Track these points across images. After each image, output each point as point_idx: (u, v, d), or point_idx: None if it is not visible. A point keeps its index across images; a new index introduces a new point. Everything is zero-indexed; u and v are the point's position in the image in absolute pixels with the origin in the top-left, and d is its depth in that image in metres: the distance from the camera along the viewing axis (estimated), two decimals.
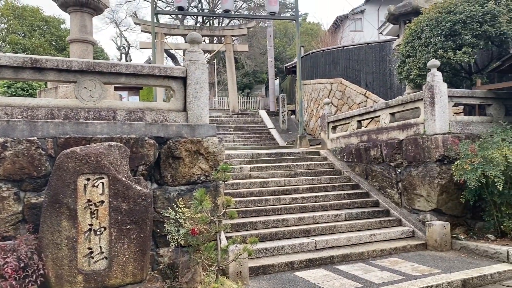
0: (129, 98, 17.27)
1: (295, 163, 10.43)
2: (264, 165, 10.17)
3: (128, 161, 5.15)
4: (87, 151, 4.60)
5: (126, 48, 41.44)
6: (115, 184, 4.65)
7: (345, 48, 17.13)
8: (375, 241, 7.57)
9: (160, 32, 20.89)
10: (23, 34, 14.67)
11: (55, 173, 4.48)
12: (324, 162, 10.84)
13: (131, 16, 24.67)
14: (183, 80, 6.01)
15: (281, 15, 41.56)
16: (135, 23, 20.73)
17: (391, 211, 8.51)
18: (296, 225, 7.67)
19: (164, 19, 33.25)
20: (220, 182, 5.76)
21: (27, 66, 5.21)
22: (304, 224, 7.74)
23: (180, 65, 6.02)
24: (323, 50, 18.58)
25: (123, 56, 40.95)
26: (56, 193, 4.43)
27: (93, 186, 4.58)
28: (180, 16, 31.57)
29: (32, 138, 4.99)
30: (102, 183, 4.62)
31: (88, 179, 4.56)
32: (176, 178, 5.72)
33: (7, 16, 15.08)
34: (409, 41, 9.14)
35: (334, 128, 11.88)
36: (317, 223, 7.87)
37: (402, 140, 8.37)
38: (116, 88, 18.74)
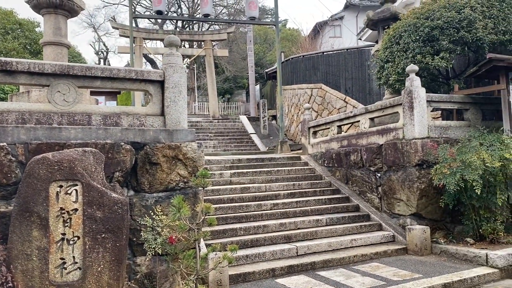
0: (106, 103, 16.96)
1: (276, 169, 10.36)
2: (245, 170, 10.06)
3: (104, 167, 4.98)
4: (60, 157, 4.41)
5: (105, 53, 40.91)
6: (89, 191, 4.47)
7: (325, 53, 17.22)
8: (356, 246, 7.54)
9: (139, 37, 20.63)
10: None
11: (25, 180, 4.28)
12: (305, 167, 10.81)
13: (109, 20, 24.32)
14: (161, 84, 5.88)
15: (261, 20, 41.82)
16: (113, 27, 20.44)
17: (371, 215, 8.51)
18: (277, 231, 7.58)
19: (143, 23, 33.01)
20: (200, 188, 5.63)
21: None
22: (285, 230, 7.66)
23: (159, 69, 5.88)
24: (303, 56, 18.64)
25: (101, 61, 40.37)
26: (26, 201, 4.23)
27: (66, 193, 4.39)
28: (159, 21, 31.31)
29: (1, 144, 4.77)
30: (76, 190, 4.44)
31: (60, 186, 4.37)
32: (154, 184, 5.57)
33: None
34: (388, 46, 9.20)
35: (315, 133, 11.88)
36: (298, 228, 7.79)
37: (382, 144, 8.39)
38: (93, 93, 18.39)
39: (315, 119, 12.64)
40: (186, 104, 5.99)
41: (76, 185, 4.43)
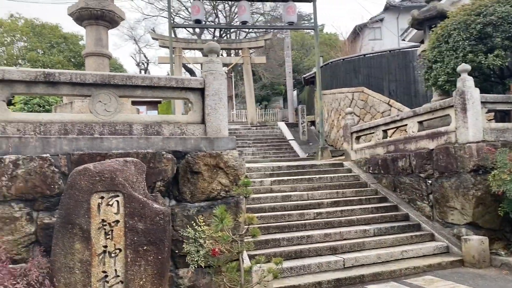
0: (147, 113, 17.19)
1: (317, 176, 10.04)
2: (285, 178, 9.81)
3: (145, 177, 4.88)
4: (101, 167, 4.34)
5: (145, 64, 41.87)
6: (130, 202, 4.37)
7: (366, 56, 16.74)
8: (407, 258, 7.10)
9: (178, 47, 20.87)
10: (42, 51, 14.81)
11: (67, 191, 4.23)
12: (349, 174, 10.42)
13: (149, 32, 24.84)
14: (201, 91, 5.75)
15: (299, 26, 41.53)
16: (153, 38, 20.81)
17: (422, 225, 8.02)
18: (322, 242, 7.26)
19: (182, 34, 33.48)
20: (241, 197, 5.44)
21: (40, 80, 5.03)
22: (331, 241, 7.33)
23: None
24: (343, 59, 18.22)
25: (142, 72, 41.33)
26: (69, 213, 4.17)
27: (108, 205, 4.31)
28: (198, 31, 31.70)
29: (44, 155, 4.77)
30: (117, 201, 4.35)
31: (102, 198, 4.29)
32: (195, 194, 5.43)
33: (26, 34, 15.28)
34: (435, 46, 8.72)
35: (358, 138, 11.46)
36: (345, 239, 7.45)
37: (432, 149, 7.91)
38: (134, 103, 18.72)
39: (357, 124, 12.22)
40: (227, 112, 5.83)
41: (118, 196, 4.34)
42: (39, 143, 4.85)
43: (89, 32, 7.29)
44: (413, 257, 7.13)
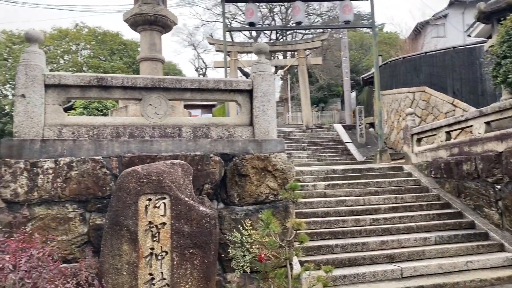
0: (202, 116, 17.47)
1: (375, 180, 9.61)
2: (340, 182, 9.48)
3: (193, 180, 4.87)
4: (149, 169, 4.36)
5: (204, 69, 42.80)
6: (177, 205, 4.36)
7: (427, 54, 15.89)
8: (472, 269, 6.55)
9: (233, 51, 21.06)
10: (104, 58, 15.56)
11: (116, 193, 4.29)
12: (409, 178, 9.88)
13: (206, 37, 25.30)
14: (249, 93, 5.66)
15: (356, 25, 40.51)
16: (210, 43, 21.16)
17: (490, 234, 7.39)
18: (378, 250, 6.89)
19: (239, 38, 33.89)
20: (290, 201, 5.26)
21: (93, 84, 5.18)
22: (388, 249, 6.94)
23: None
24: (403, 58, 17.44)
25: (201, 77, 42.32)
26: (117, 214, 4.23)
27: (155, 207, 4.32)
28: (254, 35, 31.90)
29: (97, 158, 4.89)
30: (164, 203, 4.35)
31: (149, 200, 4.32)
32: (243, 197, 5.34)
33: (89, 42, 16.15)
34: (505, 40, 8.03)
35: (419, 140, 10.86)
36: (403, 247, 7.02)
37: (501, 152, 7.26)
38: (188, 107, 19.10)
39: (418, 125, 11.59)
40: (275, 113, 5.69)
41: (164, 198, 4.35)
42: (92, 145, 4.99)
43: (143, 37, 7.46)
44: (480, 269, 6.56)
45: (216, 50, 20.89)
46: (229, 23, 30.19)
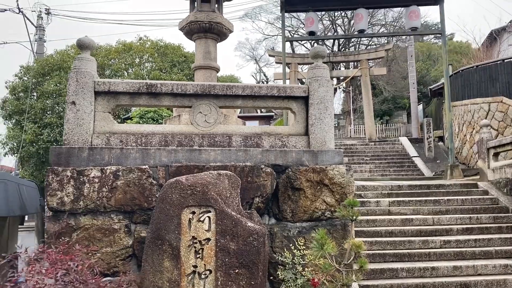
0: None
1: (446, 198, 8.72)
2: (406, 199, 8.71)
3: (243, 192, 4.54)
4: (193, 180, 4.06)
5: (265, 82, 42.91)
6: (222, 219, 4.00)
7: (505, 61, 14.54)
8: None
9: (293, 62, 20.74)
10: (165, 70, 15.92)
11: (159, 205, 4.03)
12: (485, 196, 8.88)
13: (267, 50, 25.25)
14: (305, 100, 5.25)
15: (424, 37, 38.68)
16: (270, 55, 21.03)
17: None
18: (450, 276, 6.12)
19: (300, 50, 33.54)
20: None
21: (143, 91, 5.03)
22: (461, 275, 6.14)
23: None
24: (477, 66, 16.12)
25: None
26: (159, 228, 3.96)
27: (199, 220, 4.00)
28: (315, 45, 31.40)
29: (143, 167, 4.70)
30: (209, 217, 4.02)
31: (193, 213, 4.01)
32: (297, 213, 4.89)
33: (152, 55, 16.62)
34: None
35: (496, 155, 9.79)
36: (479, 274, 6.19)
37: None
38: (246, 118, 18.93)
39: (495, 138, 10.49)
40: (333, 122, 5.21)
41: (209, 211, 4.02)
42: (139, 154, 4.81)
43: (198, 45, 7.32)
44: None
45: (276, 62, 20.71)
46: (290, 36, 29.97)
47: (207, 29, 7.10)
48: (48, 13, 17.78)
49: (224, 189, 4.15)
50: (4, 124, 15.11)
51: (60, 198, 4.54)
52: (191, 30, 7.18)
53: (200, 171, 4.63)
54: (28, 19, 16.71)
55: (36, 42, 17.17)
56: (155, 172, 4.73)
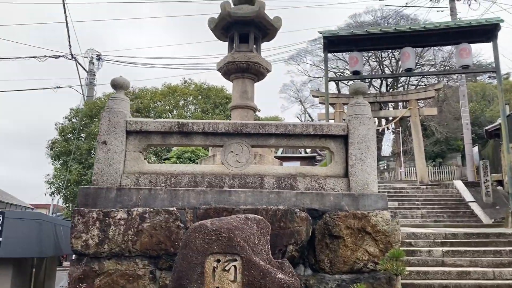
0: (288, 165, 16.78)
1: (508, 248, 7.82)
2: (462, 248, 7.88)
3: (275, 239, 4.18)
4: (219, 225, 3.76)
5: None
6: (249, 269, 3.63)
7: None
8: None
9: (338, 103, 20.42)
10: (207, 112, 16.13)
11: (181, 251, 3.74)
12: None
13: (311, 90, 25.17)
14: (344, 139, 4.89)
15: (477, 77, 37.27)
16: (314, 96, 20.90)
17: None
18: None
19: (345, 91, 33.23)
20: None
21: (174, 130, 4.90)
22: None
23: None
24: None
25: None
26: (180, 276, 3.64)
27: (224, 270, 3.66)
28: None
29: (171, 209, 4.47)
30: (235, 266, 3.66)
31: (218, 261, 3.67)
32: (335, 263, 4.43)
33: (196, 97, 16.94)
34: None
35: None
36: None
37: None
38: (286, 159, 18.56)
39: None
40: (376, 163, 4.79)
41: (235, 260, 3.67)
42: (167, 195, 4.60)
43: (235, 85, 7.22)
44: None
45: (320, 103, 20.51)
46: (335, 76, 29.85)
47: (245, 69, 6.99)
48: (99, 59, 18.84)
49: (252, 235, 3.80)
50: (52, 164, 15.76)
51: (84, 241, 4.38)
52: (228, 70, 7.11)
53: (229, 214, 4.33)
54: (80, 64, 17.77)
55: (86, 86, 18.09)
56: (182, 215, 4.49)
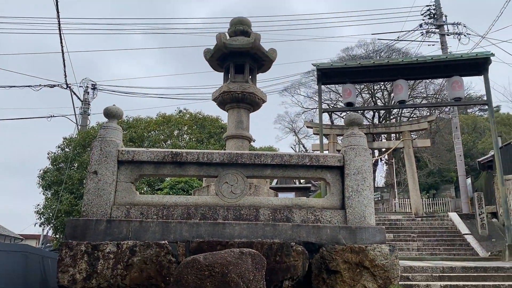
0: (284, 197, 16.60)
1: (507, 283, 7.63)
2: (461, 283, 7.69)
3: (269, 273, 4.02)
4: (212, 259, 3.61)
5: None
6: None
7: None
8: None
9: (332, 134, 20.48)
10: (202, 141, 16.07)
11: (172, 287, 3.57)
12: None
13: (305, 121, 25.29)
14: (340, 170, 4.81)
15: (468, 110, 37.78)
16: (308, 127, 20.96)
17: None
18: None
19: (339, 122, 33.46)
20: None
21: (168, 160, 4.79)
22: None
23: None
24: None
25: None
26: None
27: None
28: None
29: (162, 242, 4.31)
30: None
31: None
32: None
33: (190, 127, 16.91)
34: None
35: None
36: None
37: None
38: (282, 189, 18.43)
39: None
40: (372, 195, 4.70)
41: None
42: (159, 228, 4.45)
43: (230, 115, 7.17)
44: None
45: (314, 134, 20.53)
46: (328, 107, 30.09)
47: (240, 99, 6.97)
48: (94, 88, 18.87)
49: (247, 271, 3.65)
50: (43, 194, 15.49)
51: (72, 275, 4.18)
52: (224, 100, 7.08)
53: (223, 248, 4.18)
54: (75, 93, 17.76)
55: (81, 115, 18.02)
56: (174, 248, 4.32)
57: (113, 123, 4.95)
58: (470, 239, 15.86)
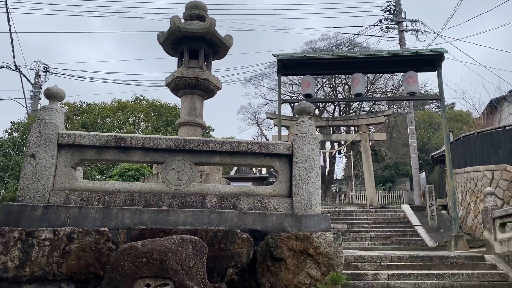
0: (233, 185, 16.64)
1: (450, 271, 7.94)
2: (407, 271, 7.93)
3: (214, 261, 3.96)
4: (151, 246, 3.50)
5: None
6: None
7: (507, 128, 14.23)
8: None
9: (292, 125, 20.53)
10: (159, 129, 15.78)
11: (108, 275, 3.44)
12: (493, 271, 8.08)
13: (265, 112, 25.36)
14: (289, 158, 4.78)
15: (425, 106, 39.05)
16: (268, 118, 21.01)
17: None
18: None
19: None
20: None
21: (111, 145, 4.61)
22: None
23: None
24: (478, 133, 15.81)
25: None
26: None
27: None
28: (317, 113, 31.60)
29: (102, 229, 4.15)
30: None
31: (148, 285, 3.41)
32: (277, 287, 4.24)
33: (147, 114, 16.57)
34: None
35: (503, 225, 9.11)
36: None
37: None
38: (240, 179, 18.41)
39: (501, 208, 9.87)
40: (319, 183, 4.71)
41: (167, 284, 3.42)
42: (100, 214, 4.28)
43: (183, 101, 7.02)
44: None
45: (275, 125, 20.59)
46: (291, 99, 30.28)
47: (194, 85, 6.82)
48: (46, 71, 18.04)
49: (187, 258, 3.56)
50: None
51: (3, 263, 3.96)
52: (177, 85, 6.91)
53: (166, 235, 4.06)
54: (24, 76, 16.92)
55: (31, 99, 17.21)
56: (115, 236, 4.17)
57: (53, 105, 4.70)
58: (420, 230, 16.41)
